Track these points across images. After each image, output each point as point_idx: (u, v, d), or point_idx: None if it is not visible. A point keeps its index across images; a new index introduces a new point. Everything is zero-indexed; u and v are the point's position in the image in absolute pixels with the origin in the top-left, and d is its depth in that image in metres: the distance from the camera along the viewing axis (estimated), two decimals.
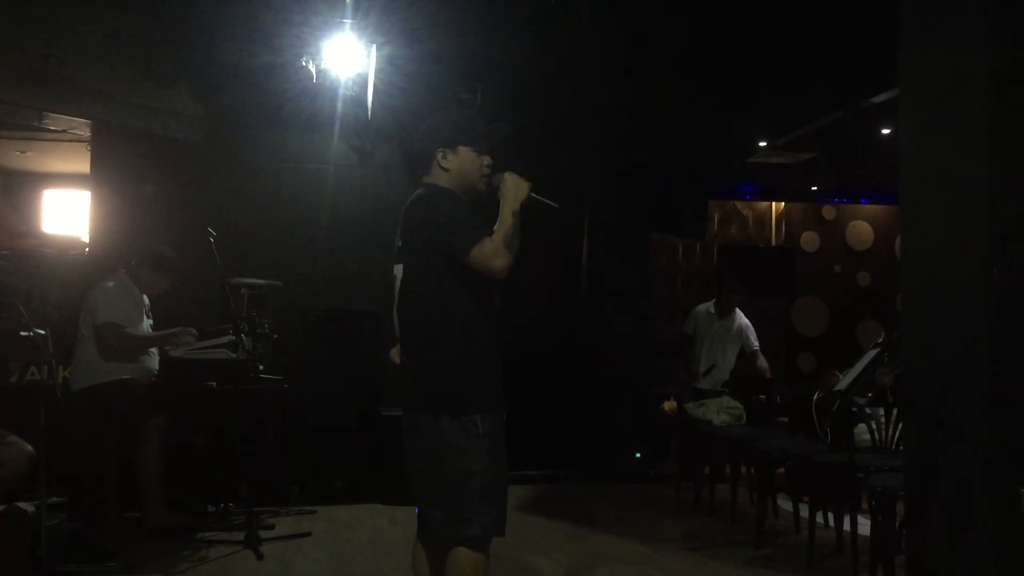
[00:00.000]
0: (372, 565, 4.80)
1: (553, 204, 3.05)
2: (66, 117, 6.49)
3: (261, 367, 5.52)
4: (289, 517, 5.82)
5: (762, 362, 7.55)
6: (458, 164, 3.03)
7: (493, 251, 2.79)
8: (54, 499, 5.21)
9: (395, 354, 3.18)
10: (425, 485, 2.97)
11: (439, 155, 3.03)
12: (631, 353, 7.56)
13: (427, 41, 5.58)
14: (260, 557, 4.80)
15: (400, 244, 3.04)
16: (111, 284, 5.31)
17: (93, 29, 5.85)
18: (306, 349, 6.52)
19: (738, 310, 7.62)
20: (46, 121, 6.67)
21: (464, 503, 2.83)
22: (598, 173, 7.52)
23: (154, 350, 5.47)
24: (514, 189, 2.95)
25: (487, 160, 3.06)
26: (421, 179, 3.09)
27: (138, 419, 5.20)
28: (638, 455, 6.59)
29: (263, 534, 5.10)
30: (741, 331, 7.58)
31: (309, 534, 5.38)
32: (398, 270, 3.05)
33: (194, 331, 5.48)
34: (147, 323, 5.45)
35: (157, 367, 5.48)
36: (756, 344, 7.59)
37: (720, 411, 6.40)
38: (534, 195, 2.98)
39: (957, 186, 3.18)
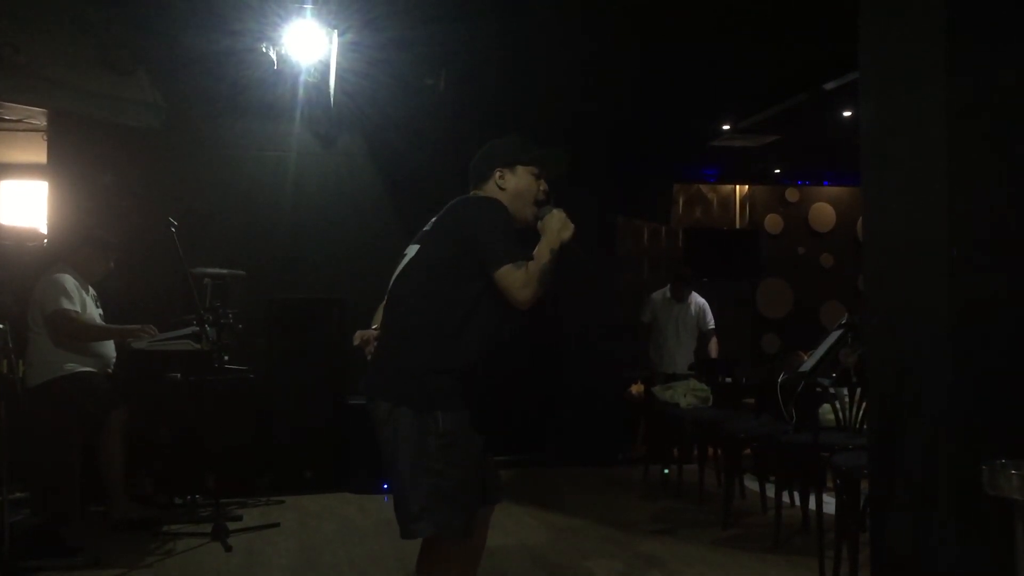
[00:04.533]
0: (341, 554, 4.78)
1: (581, 253, 2.89)
2: (22, 106, 6.37)
3: (226, 357, 5.46)
4: (257, 508, 5.79)
5: (714, 345, 7.68)
6: (515, 184, 2.93)
7: (525, 279, 2.68)
8: (17, 495, 5.15)
9: (358, 337, 3.02)
10: (387, 475, 2.83)
11: (497, 175, 2.94)
12: (598, 337, 7.58)
13: (389, 27, 5.52)
14: (228, 549, 4.76)
15: (427, 229, 2.90)
16: (56, 274, 5.23)
17: (49, 17, 5.74)
18: (271, 338, 6.48)
19: (693, 291, 7.74)
20: (1, 110, 6.54)
21: (417, 501, 2.67)
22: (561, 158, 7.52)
23: (110, 341, 5.42)
24: (559, 227, 2.83)
25: (544, 186, 2.97)
26: (472, 190, 2.99)
27: (99, 412, 5.14)
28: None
29: (231, 525, 5.06)
30: (698, 311, 7.74)
31: (278, 524, 5.35)
32: (411, 249, 2.90)
33: (154, 329, 5.43)
34: (97, 313, 5.39)
35: (114, 358, 5.41)
36: (712, 324, 7.72)
37: (687, 393, 6.45)
38: (572, 241, 2.85)
39: (917, 168, 3.21)
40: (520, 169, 2.95)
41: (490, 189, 2.95)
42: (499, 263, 2.69)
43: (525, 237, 2.85)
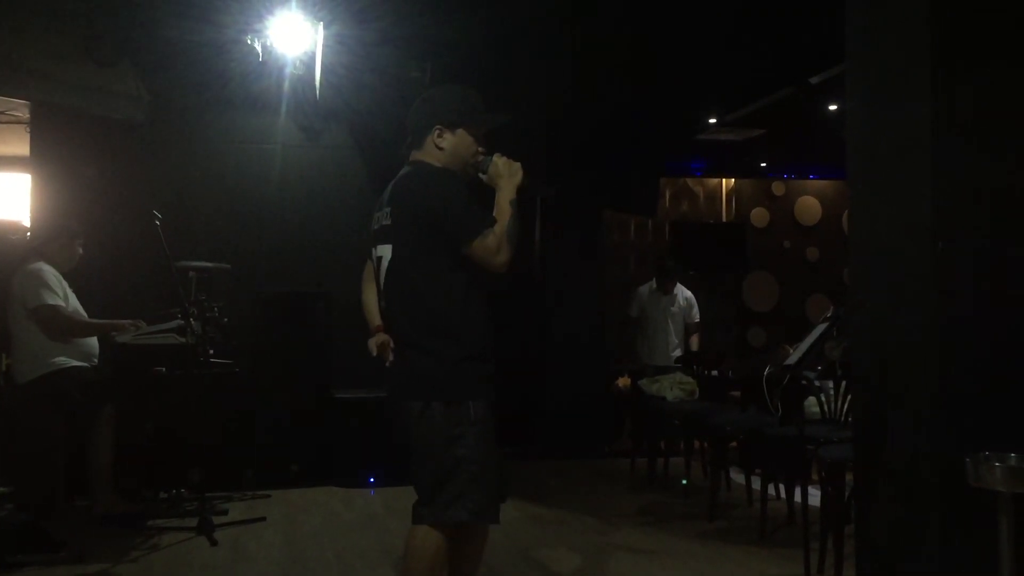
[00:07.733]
0: (328, 548, 4.77)
1: (548, 189, 2.93)
2: (4, 98, 6.32)
3: (211, 351, 5.44)
4: (243, 502, 5.77)
5: (695, 340, 7.72)
6: (453, 145, 2.91)
7: (496, 245, 2.71)
8: (1, 490, 5.12)
9: (373, 345, 2.99)
10: (416, 470, 2.86)
11: (436, 133, 2.91)
12: (584, 330, 7.59)
13: (375, 19, 5.50)
14: (214, 543, 4.74)
15: (388, 223, 2.90)
16: (33, 266, 5.16)
17: (31, 7, 5.69)
18: (257, 332, 6.45)
19: (679, 283, 7.77)
20: None
21: (453, 488, 2.76)
22: (548, 151, 7.51)
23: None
24: (508, 173, 2.85)
25: (481, 148, 2.96)
26: (410, 155, 2.98)
27: (92, 406, 5.11)
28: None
29: (217, 519, 5.04)
30: (686, 303, 7.80)
31: (264, 518, 5.33)
32: (384, 251, 2.91)
33: (143, 324, 5.40)
34: (78, 304, 5.34)
35: (97, 351, 5.37)
36: (697, 317, 7.76)
37: (673, 387, 6.45)
38: (526, 180, 2.86)
39: (903, 162, 3.22)
40: (460, 131, 2.93)
41: (428, 148, 2.94)
42: (467, 239, 2.74)
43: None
